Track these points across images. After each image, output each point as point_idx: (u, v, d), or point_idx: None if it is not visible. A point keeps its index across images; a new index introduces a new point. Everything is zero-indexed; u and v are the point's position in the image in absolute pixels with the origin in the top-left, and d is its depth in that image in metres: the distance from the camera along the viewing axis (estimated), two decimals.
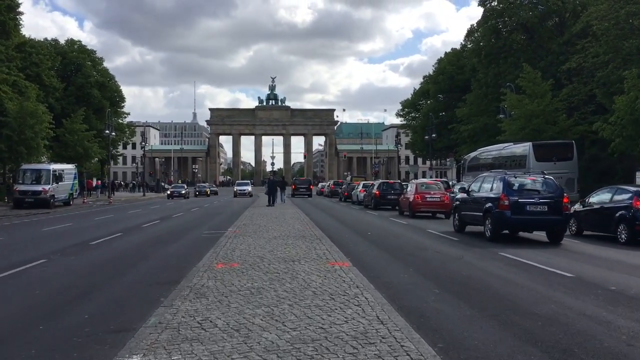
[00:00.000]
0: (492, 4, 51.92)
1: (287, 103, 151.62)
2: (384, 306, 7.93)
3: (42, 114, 44.81)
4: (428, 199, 29.09)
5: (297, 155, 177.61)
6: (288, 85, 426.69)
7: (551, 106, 39.35)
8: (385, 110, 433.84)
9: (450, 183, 44.71)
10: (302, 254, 13.34)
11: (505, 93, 42.65)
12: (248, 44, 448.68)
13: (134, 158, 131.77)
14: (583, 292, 9.71)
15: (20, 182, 40.79)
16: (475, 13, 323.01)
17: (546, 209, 17.25)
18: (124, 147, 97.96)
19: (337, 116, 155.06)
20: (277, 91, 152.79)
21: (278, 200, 40.51)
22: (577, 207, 20.47)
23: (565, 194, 18.36)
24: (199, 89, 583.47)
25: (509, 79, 45.69)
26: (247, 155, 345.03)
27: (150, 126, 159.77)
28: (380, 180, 49.10)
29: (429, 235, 20.24)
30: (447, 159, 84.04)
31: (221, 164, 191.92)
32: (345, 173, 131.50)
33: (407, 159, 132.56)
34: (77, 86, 65.72)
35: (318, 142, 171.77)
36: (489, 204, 17.99)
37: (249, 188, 69.74)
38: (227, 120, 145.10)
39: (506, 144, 37.92)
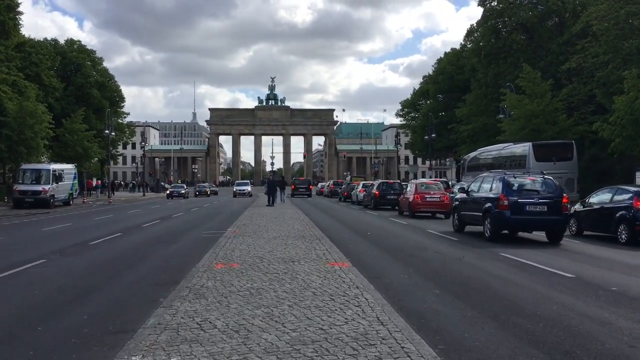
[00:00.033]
0: (492, 4, 51.88)
1: (286, 103, 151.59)
2: (384, 307, 7.90)
3: (42, 113, 44.78)
4: (428, 199, 29.07)
5: (297, 155, 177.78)
6: (288, 85, 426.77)
7: (551, 106, 39.32)
8: (384, 110, 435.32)
9: (450, 183, 44.70)
10: (301, 254, 13.31)
11: (505, 93, 42.62)
12: (248, 44, 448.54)
13: (133, 158, 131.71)
14: (584, 293, 9.68)
15: (20, 182, 40.74)
16: (474, 13, 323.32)
17: (545, 209, 17.24)
18: (124, 147, 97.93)
19: (337, 116, 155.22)
20: (276, 91, 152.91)
21: (278, 200, 40.48)
22: (578, 207, 20.44)
23: (565, 194, 18.35)
24: (198, 89, 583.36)
25: (508, 79, 45.66)
26: (247, 155, 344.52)
27: (150, 126, 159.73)
28: (380, 180, 49.06)
29: (429, 235, 20.22)
30: (447, 159, 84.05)
31: (221, 164, 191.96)
32: (345, 173, 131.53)
33: (406, 159, 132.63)
34: (76, 86, 65.67)
35: (318, 142, 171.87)
36: (489, 204, 17.99)
37: (248, 188, 69.65)
38: (227, 120, 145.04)
39: (506, 144, 37.90)
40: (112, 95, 72.04)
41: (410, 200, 29.38)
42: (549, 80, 40.78)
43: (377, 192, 37.62)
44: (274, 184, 40.94)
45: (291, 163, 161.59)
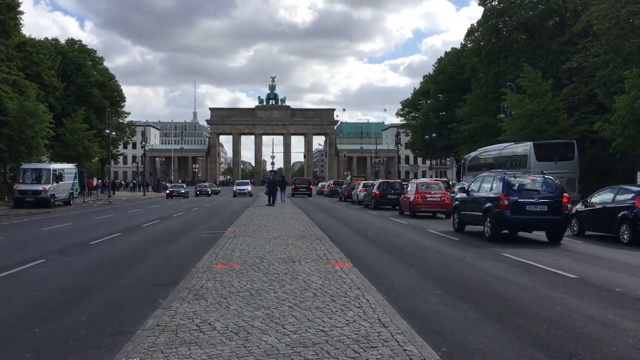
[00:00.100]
0: (493, 3, 51.74)
1: (287, 103, 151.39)
2: (385, 308, 7.81)
3: (42, 113, 44.74)
4: (428, 199, 28.99)
5: (297, 154, 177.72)
6: (288, 85, 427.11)
7: (552, 106, 39.22)
8: (385, 110, 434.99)
9: (451, 183, 44.61)
10: (302, 254, 13.23)
11: (505, 93, 42.49)
12: (248, 44, 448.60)
13: (134, 157, 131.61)
14: (588, 294, 9.59)
15: (21, 181, 40.69)
16: (475, 13, 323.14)
17: (546, 209, 17.20)
18: (125, 147, 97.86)
19: (337, 116, 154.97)
20: (277, 91, 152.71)
21: (278, 200, 40.38)
22: (579, 207, 20.37)
23: (566, 194, 18.28)
24: (199, 89, 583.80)
25: (509, 78, 45.54)
26: (247, 154, 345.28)
27: (151, 126, 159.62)
28: (381, 180, 48.96)
29: (430, 235, 20.14)
30: (447, 159, 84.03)
31: (221, 164, 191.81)
32: (345, 173, 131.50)
33: (407, 158, 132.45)
34: (77, 86, 65.60)
35: (318, 141, 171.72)
36: (489, 204, 17.95)
37: (248, 188, 69.44)
38: (227, 119, 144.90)
39: (507, 144, 37.78)
40: (113, 94, 71.97)
41: (411, 200, 29.29)
42: (549, 79, 40.67)
43: (377, 192, 37.53)
44: (274, 183, 40.83)
45: (291, 163, 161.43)
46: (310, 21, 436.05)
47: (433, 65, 77.03)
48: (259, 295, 8.67)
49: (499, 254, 14.70)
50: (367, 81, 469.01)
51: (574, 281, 10.83)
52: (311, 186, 70.82)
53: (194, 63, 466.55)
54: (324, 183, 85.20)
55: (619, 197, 18.28)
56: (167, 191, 67.22)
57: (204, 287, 9.31)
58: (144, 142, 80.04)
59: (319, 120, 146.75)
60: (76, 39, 73.07)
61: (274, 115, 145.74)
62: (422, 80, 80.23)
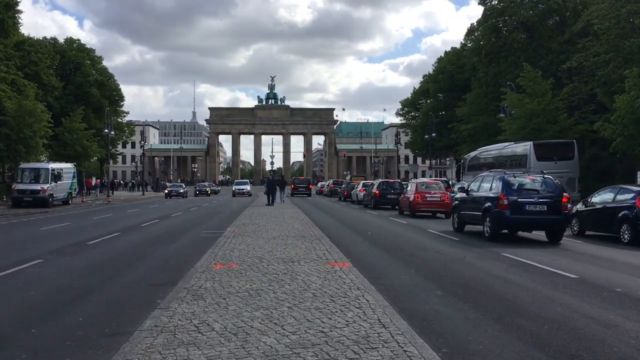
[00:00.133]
0: (492, 2, 51.64)
1: (286, 102, 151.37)
2: (385, 309, 7.75)
3: (41, 112, 44.64)
4: (428, 199, 28.95)
5: (297, 154, 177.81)
6: (288, 85, 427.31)
7: (552, 105, 39.15)
8: (384, 110, 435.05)
9: (450, 182, 44.53)
10: (301, 254, 13.16)
11: (505, 92, 42.42)
12: (248, 43, 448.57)
13: (133, 157, 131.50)
14: (588, 294, 9.54)
15: (19, 181, 40.58)
16: (474, 12, 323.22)
17: (545, 209, 17.20)
18: (124, 146, 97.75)
19: (337, 115, 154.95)
20: (276, 90, 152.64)
21: (277, 200, 40.33)
22: (580, 206, 20.33)
23: (566, 193, 18.26)
24: (198, 88, 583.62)
25: (509, 78, 45.48)
26: (247, 154, 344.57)
27: (150, 125, 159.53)
28: (380, 180, 48.90)
29: (429, 235, 20.10)
30: (447, 159, 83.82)
31: (220, 163, 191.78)
32: (345, 172, 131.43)
33: (406, 158, 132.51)
34: (76, 85, 65.48)
35: (317, 141, 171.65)
36: (488, 204, 17.95)
37: (247, 187, 69.22)
38: (227, 119, 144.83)
39: (506, 143, 37.71)
40: (112, 94, 71.86)
41: (411, 199, 29.25)
42: (549, 79, 40.61)
43: (377, 192, 37.49)
44: (274, 183, 40.78)
45: (291, 162, 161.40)
46: (309, 20, 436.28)
47: (433, 65, 77.08)
48: (258, 295, 8.60)
49: (498, 253, 14.66)
50: (367, 81, 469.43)
51: (575, 281, 10.77)
52: (310, 186, 70.74)
53: (194, 62, 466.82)
54: (323, 183, 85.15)
55: (620, 197, 18.24)
56: (166, 191, 67.02)
57: (203, 287, 9.24)
58: (143, 142, 79.95)
59: (318, 119, 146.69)
60: (75, 38, 73.07)
61: (273, 115, 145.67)
62: (421, 79, 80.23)
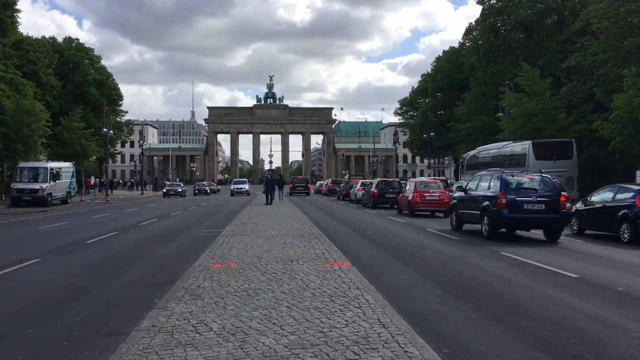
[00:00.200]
0: (491, 2, 51.57)
1: (285, 102, 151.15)
2: (385, 308, 7.68)
3: (40, 112, 44.53)
4: (427, 198, 28.89)
5: (295, 153, 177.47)
6: (286, 84, 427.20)
7: (550, 104, 39.15)
8: (383, 109, 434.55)
9: (449, 182, 44.50)
10: (300, 253, 13.10)
11: (504, 91, 42.42)
12: (246, 43, 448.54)
13: (132, 156, 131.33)
14: (590, 294, 9.48)
15: (18, 180, 40.49)
16: (473, 12, 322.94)
17: (543, 208, 17.21)
18: (122, 146, 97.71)
19: (335, 115, 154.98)
20: (275, 90, 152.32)
21: (276, 199, 40.25)
22: (579, 206, 20.27)
23: (564, 192, 18.26)
24: (197, 88, 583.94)
25: (507, 77, 45.46)
26: (246, 153, 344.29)
27: (149, 124, 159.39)
28: (379, 179, 48.83)
29: (428, 234, 20.05)
30: (446, 158, 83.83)
31: (219, 163, 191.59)
32: (343, 172, 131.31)
33: (405, 157, 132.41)
34: (74, 84, 65.29)
35: (316, 140, 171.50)
36: (487, 203, 17.97)
37: (246, 186, 68.98)
38: (226, 118, 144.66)
39: (505, 143, 37.71)
40: (110, 93, 71.69)
41: (410, 198, 29.19)
42: (548, 78, 40.61)
43: (375, 191, 37.44)
44: (272, 182, 40.68)
45: (289, 162, 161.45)
46: (308, 20, 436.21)
47: (431, 64, 77.08)
48: (257, 295, 8.54)
49: (498, 252, 14.61)
50: (365, 80, 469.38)
51: (575, 281, 10.71)
52: (309, 185, 70.66)
53: (192, 62, 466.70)
54: (322, 182, 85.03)
55: (619, 196, 18.19)
56: (164, 190, 66.76)
57: (201, 286, 9.18)
58: (142, 141, 79.87)
59: (317, 119, 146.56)
60: (74, 37, 72.87)
61: (272, 114, 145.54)
62: (420, 79, 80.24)
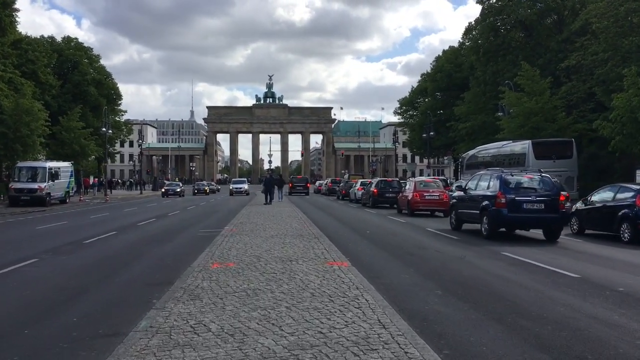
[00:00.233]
0: (491, 1, 51.55)
1: (284, 101, 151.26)
2: (385, 309, 7.62)
3: (38, 111, 44.45)
4: (427, 197, 28.84)
5: (295, 153, 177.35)
6: (286, 84, 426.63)
7: (550, 104, 39.09)
8: (382, 109, 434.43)
9: (449, 181, 44.44)
10: (299, 253, 13.04)
11: (503, 91, 42.38)
12: (246, 42, 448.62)
13: (131, 156, 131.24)
14: (591, 294, 9.41)
15: (16, 179, 40.39)
16: (472, 11, 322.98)
17: (543, 207, 17.22)
18: (121, 145, 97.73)
19: (335, 114, 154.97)
20: (274, 89, 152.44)
21: (275, 199, 40.18)
22: (579, 205, 20.22)
23: (564, 192, 18.25)
24: (196, 87, 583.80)
25: (507, 76, 45.42)
26: (245, 153, 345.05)
27: (148, 124, 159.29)
28: (379, 179, 48.77)
29: (428, 233, 19.99)
30: (445, 157, 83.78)
31: (218, 162, 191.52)
32: (343, 171, 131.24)
33: (404, 157, 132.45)
34: (73, 84, 65.23)
35: (315, 140, 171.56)
36: (486, 202, 17.96)
37: (245, 186, 68.82)
38: (225, 118, 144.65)
39: (505, 142, 37.64)
40: (109, 92, 71.67)
41: (409, 198, 29.14)
42: (547, 78, 40.55)
43: (375, 190, 37.39)
44: (271, 182, 40.61)
45: (289, 161, 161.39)
46: (308, 20, 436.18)
47: (431, 64, 77.00)
48: (256, 295, 8.47)
49: (498, 252, 14.55)
50: (365, 80, 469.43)
51: (576, 280, 10.65)
52: (308, 185, 70.60)
53: (192, 61, 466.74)
54: (321, 181, 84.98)
55: (619, 196, 18.13)
56: (163, 190, 66.62)
57: (200, 286, 9.11)
58: (141, 141, 79.80)
59: (316, 118, 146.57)
60: (73, 37, 72.83)
61: (271, 114, 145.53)
62: (419, 78, 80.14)
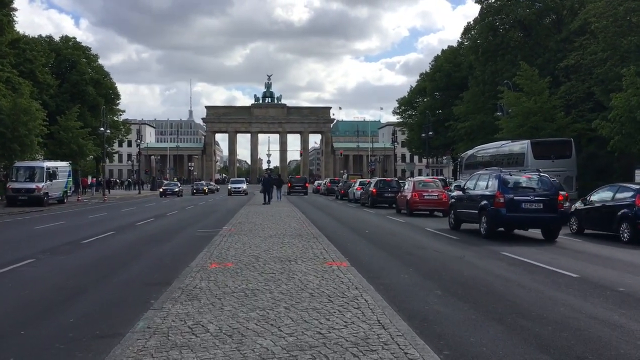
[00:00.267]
0: (489, 1, 51.51)
1: (283, 101, 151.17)
2: (384, 309, 7.57)
3: (36, 111, 44.31)
4: (426, 197, 28.80)
5: (293, 153, 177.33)
6: (284, 84, 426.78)
7: (549, 104, 39.03)
8: (381, 109, 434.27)
9: (448, 181, 44.38)
10: (298, 253, 12.98)
11: (502, 90, 42.33)
12: (244, 42, 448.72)
13: (129, 156, 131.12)
14: (591, 294, 9.36)
15: (14, 179, 40.26)
16: (471, 11, 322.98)
17: (541, 207, 17.25)
18: (120, 145, 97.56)
19: (333, 114, 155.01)
20: (273, 89, 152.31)
21: (274, 198, 40.11)
22: (578, 205, 20.17)
23: (563, 192, 18.24)
24: (195, 87, 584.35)
25: (506, 76, 45.38)
26: (243, 153, 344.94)
27: (146, 124, 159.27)
28: (377, 178, 48.71)
29: (427, 233, 19.94)
30: (444, 157, 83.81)
31: (217, 162, 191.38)
32: (342, 171, 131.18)
33: (403, 156, 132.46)
34: (71, 83, 65.14)
35: (314, 140, 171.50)
36: (485, 202, 18.00)
37: (243, 186, 68.74)
38: (223, 118, 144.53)
39: (504, 142, 37.54)
40: (108, 92, 71.60)
41: (408, 198, 29.10)
42: (546, 77, 40.49)
43: (374, 190, 37.34)
44: (270, 182, 40.57)
45: (287, 161, 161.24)
46: (306, 19, 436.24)
47: (429, 63, 76.96)
48: (254, 295, 8.41)
49: (497, 252, 14.51)
50: (364, 79, 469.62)
51: (576, 280, 10.60)
52: (307, 184, 70.57)
53: (190, 61, 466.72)
54: (320, 181, 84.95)
55: (619, 195, 18.09)
56: (161, 189, 66.39)
57: (198, 287, 9.05)
58: (139, 140, 79.78)
59: (315, 118, 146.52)
60: (71, 36, 72.74)
61: (270, 114, 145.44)
62: (418, 78, 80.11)
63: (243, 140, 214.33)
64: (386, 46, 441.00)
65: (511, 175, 18.23)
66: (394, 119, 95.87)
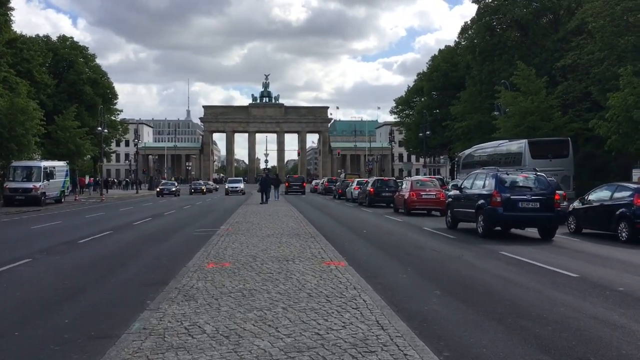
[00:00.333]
0: (487, 1, 51.50)
1: (280, 101, 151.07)
2: (383, 309, 7.51)
3: (33, 110, 44.09)
4: (423, 197, 28.77)
5: (291, 152, 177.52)
6: (282, 83, 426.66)
7: (546, 103, 39.01)
8: (378, 108, 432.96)
9: (445, 180, 44.36)
10: (296, 253, 12.92)
11: (499, 90, 42.28)
12: (242, 42, 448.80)
13: (127, 155, 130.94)
14: (591, 294, 9.32)
15: (11, 179, 40.12)
16: (468, 11, 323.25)
17: (538, 206, 17.31)
18: (117, 145, 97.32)
19: (331, 114, 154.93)
20: (270, 89, 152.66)
21: (271, 198, 40.05)
22: (576, 204, 20.15)
23: (560, 191, 18.24)
24: (192, 87, 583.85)
25: (503, 76, 45.33)
26: (241, 152, 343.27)
27: (144, 123, 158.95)
28: (375, 178, 48.66)
29: (425, 232, 19.90)
30: (441, 157, 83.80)
31: (215, 162, 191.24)
32: (339, 170, 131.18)
33: (400, 156, 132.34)
34: (69, 83, 64.92)
35: (312, 139, 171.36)
36: (482, 201, 18.05)
37: (241, 185, 68.56)
38: (221, 117, 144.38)
39: (501, 141, 37.52)
40: (105, 92, 71.34)
41: (406, 197, 29.07)
42: (543, 77, 40.46)
43: (371, 190, 37.31)
44: (268, 181, 40.51)
45: (285, 160, 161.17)
46: (304, 19, 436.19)
47: (427, 63, 76.82)
48: (252, 295, 8.35)
49: (496, 252, 14.47)
50: (361, 79, 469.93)
51: (575, 280, 10.56)
52: (304, 184, 70.51)
53: (188, 61, 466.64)
54: (317, 181, 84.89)
55: (617, 195, 18.06)
56: (158, 189, 66.16)
57: (195, 287, 8.98)
58: (137, 140, 79.54)
59: (312, 118, 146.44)
60: (68, 36, 72.52)
61: (267, 113, 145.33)
62: (415, 78, 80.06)
63: (241, 140, 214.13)
64: (384, 46, 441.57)
65: (508, 175, 18.26)
66: (392, 118, 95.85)
